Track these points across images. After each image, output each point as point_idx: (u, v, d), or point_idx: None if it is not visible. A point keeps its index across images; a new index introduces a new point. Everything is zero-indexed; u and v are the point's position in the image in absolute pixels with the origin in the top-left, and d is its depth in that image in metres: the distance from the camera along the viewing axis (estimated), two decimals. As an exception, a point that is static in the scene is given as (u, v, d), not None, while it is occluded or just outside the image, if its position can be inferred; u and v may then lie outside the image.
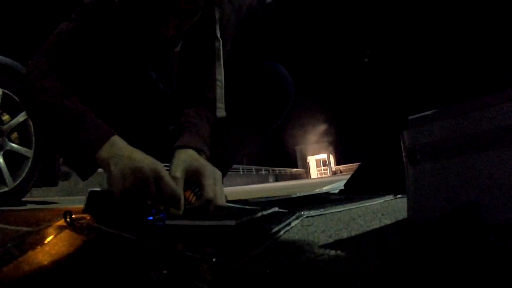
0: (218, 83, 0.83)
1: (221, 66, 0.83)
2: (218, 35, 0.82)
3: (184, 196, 0.76)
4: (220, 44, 0.82)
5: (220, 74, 0.83)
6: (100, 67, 0.77)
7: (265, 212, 0.73)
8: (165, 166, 0.66)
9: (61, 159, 1.80)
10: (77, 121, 0.64)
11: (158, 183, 0.59)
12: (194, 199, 0.81)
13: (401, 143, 0.57)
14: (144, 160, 0.60)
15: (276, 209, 0.78)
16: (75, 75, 0.73)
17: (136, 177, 0.58)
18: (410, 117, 0.56)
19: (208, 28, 0.82)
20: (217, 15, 0.82)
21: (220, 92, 0.83)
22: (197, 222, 0.56)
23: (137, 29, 0.76)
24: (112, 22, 0.75)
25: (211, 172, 0.66)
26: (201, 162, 0.67)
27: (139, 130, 0.89)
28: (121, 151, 0.62)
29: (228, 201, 0.88)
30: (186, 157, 0.67)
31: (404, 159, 0.56)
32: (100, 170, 0.65)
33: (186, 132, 0.74)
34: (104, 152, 0.61)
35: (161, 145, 0.84)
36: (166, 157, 0.74)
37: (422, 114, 0.54)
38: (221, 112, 0.83)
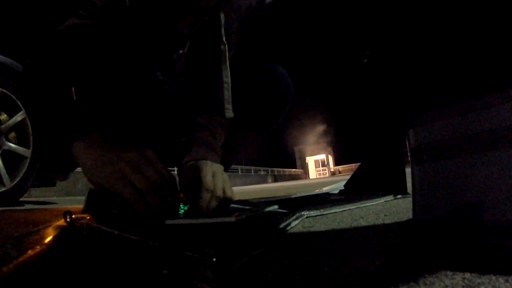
0: (225, 85, 0.85)
1: (227, 68, 0.85)
2: (224, 38, 0.85)
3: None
4: (226, 47, 0.85)
5: (227, 76, 0.85)
6: (105, 66, 0.77)
7: (265, 212, 0.73)
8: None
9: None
10: (65, 110, 0.63)
11: (152, 167, 0.55)
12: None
13: (407, 143, 0.57)
14: (128, 149, 0.57)
15: (276, 208, 0.78)
16: (79, 70, 0.75)
17: (123, 163, 0.54)
18: (415, 116, 0.56)
19: (214, 31, 0.85)
20: (222, 19, 0.84)
21: (227, 93, 0.85)
22: (197, 220, 0.56)
23: (148, 26, 0.78)
24: (120, 21, 0.76)
25: (209, 167, 0.66)
26: (202, 163, 0.68)
27: (147, 132, 0.90)
28: (101, 145, 0.59)
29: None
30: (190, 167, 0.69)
31: (410, 159, 0.56)
32: None
33: (195, 145, 0.76)
34: (82, 143, 0.59)
35: (172, 153, 0.86)
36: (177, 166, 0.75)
37: (424, 113, 0.54)
38: (229, 113, 0.85)
